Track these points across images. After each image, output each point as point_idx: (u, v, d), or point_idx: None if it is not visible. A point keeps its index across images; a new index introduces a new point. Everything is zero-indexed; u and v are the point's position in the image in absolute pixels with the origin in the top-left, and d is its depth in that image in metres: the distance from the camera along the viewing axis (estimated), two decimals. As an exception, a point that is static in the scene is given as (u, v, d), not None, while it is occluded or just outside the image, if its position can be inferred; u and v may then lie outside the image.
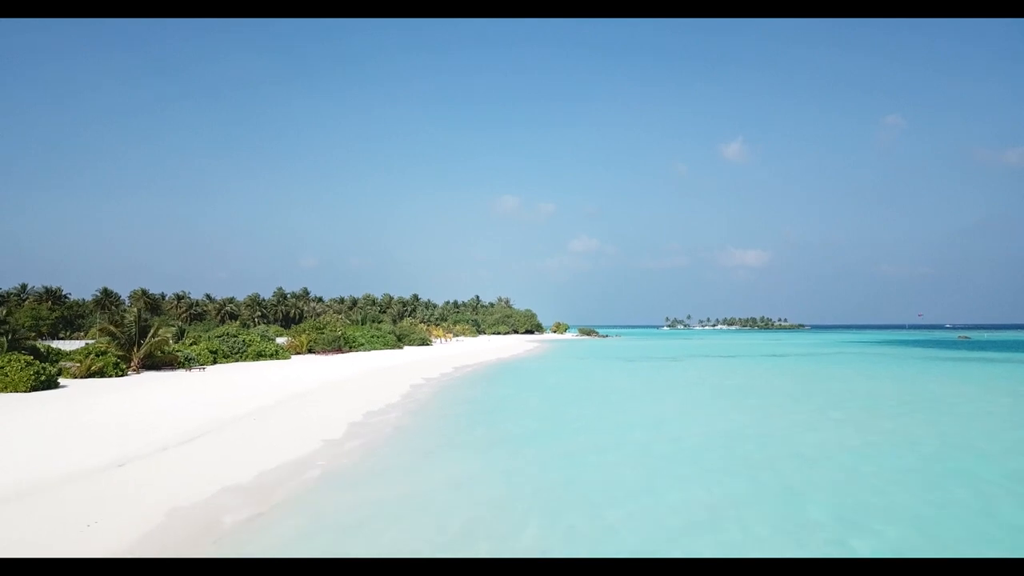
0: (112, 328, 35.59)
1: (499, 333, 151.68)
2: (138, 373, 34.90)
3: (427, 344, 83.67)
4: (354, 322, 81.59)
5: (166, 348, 38.16)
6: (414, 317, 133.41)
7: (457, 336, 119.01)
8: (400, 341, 74.82)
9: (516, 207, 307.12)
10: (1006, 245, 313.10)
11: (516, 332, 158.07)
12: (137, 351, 35.73)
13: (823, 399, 29.01)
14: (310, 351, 57.03)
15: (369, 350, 63.25)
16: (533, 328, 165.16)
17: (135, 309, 36.78)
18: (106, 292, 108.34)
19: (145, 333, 36.27)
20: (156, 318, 38.46)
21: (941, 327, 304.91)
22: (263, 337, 48.80)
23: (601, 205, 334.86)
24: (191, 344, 43.69)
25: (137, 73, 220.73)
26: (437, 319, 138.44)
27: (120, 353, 34.63)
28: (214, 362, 42.93)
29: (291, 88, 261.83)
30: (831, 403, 27.47)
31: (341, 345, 58.94)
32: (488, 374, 43.22)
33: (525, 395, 30.82)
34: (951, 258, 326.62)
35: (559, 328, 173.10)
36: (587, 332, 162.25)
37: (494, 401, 28.45)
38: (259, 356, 47.01)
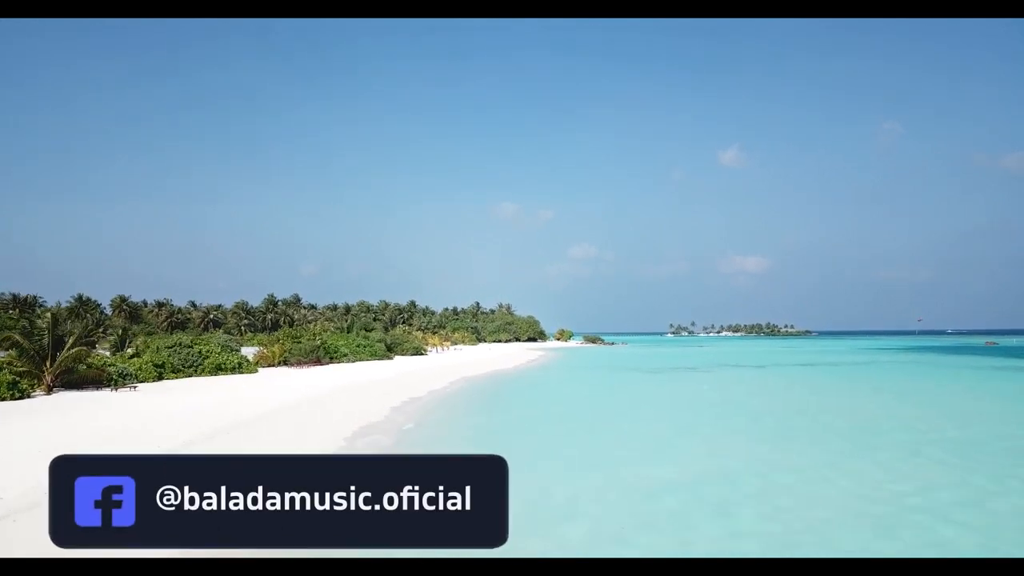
0: (18, 338, 28.65)
1: (500, 341, 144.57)
2: (49, 394, 28.01)
3: (421, 354, 76.64)
4: (340, 329, 74.57)
5: (91, 362, 31.26)
6: (410, 325, 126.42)
7: (455, 344, 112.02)
8: (391, 351, 67.82)
9: (515, 214, 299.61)
10: (1006, 249, 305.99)
11: (518, 340, 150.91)
12: (50, 366, 28.83)
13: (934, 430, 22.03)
14: (285, 363, 50.09)
15: (354, 361, 56.26)
16: (536, 336, 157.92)
17: (48, 315, 29.86)
18: (80, 299, 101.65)
19: (62, 344, 29.35)
20: (76, 324, 31.61)
21: (943, 332, 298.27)
22: (224, 347, 41.85)
23: (599, 212, 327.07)
24: (132, 356, 36.76)
25: (135, 79, 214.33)
26: (435, 326, 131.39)
27: (24, 369, 27.72)
28: (159, 378, 36.00)
29: (289, 95, 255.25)
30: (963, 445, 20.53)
31: (320, 356, 51.99)
32: (486, 391, 36.27)
33: (529, 423, 23.83)
34: (951, 262, 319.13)
35: (563, 335, 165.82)
36: (592, 340, 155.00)
37: (490, 436, 21.52)
38: (218, 370, 40.02)
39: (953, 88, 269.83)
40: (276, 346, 49.55)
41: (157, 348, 38.70)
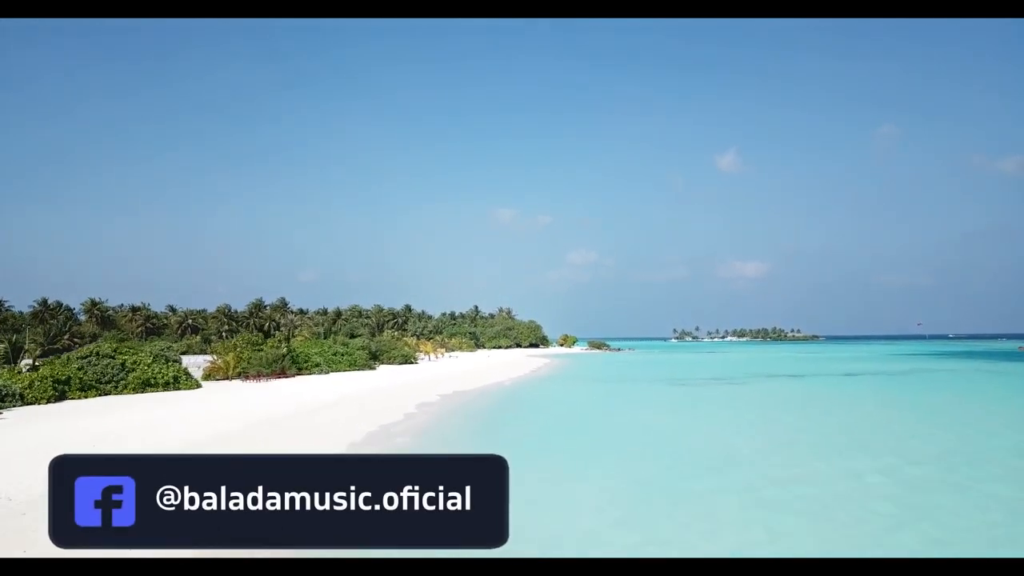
0: None
1: (500, 347, 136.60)
2: None
3: (411, 362, 68.68)
4: (316, 335, 66.59)
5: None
6: (404, 330, 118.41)
7: (451, 351, 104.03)
8: (376, 359, 59.91)
9: (513, 219, 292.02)
10: (1005, 252, 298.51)
11: (519, 346, 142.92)
12: None
13: None
14: (243, 374, 42.22)
15: (328, 372, 48.37)
16: (538, 341, 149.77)
17: None
18: (45, 303, 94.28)
19: None
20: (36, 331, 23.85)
21: (944, 336, 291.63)
22: (158, 358, 34.00)
23: (598, 217, 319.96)
24: (30, 369, 28.98)
25: (133, 84, 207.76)
26: (431, 332, 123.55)
27: None
28: (60, 397, 28.20)
29: (287, 97, 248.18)
30: None
31: (286, 366, 44.10)
32: (478, 415, 28.35)
33: (538, 479, 15.84)
34: (951, 266, 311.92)
35: (567, 341, 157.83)
36: (598, 345, 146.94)
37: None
38: (146, 386, 32.24)
39: (949, 90, 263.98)
40: (230, 355, 41.68)
41: (67, 359, 30.91)
